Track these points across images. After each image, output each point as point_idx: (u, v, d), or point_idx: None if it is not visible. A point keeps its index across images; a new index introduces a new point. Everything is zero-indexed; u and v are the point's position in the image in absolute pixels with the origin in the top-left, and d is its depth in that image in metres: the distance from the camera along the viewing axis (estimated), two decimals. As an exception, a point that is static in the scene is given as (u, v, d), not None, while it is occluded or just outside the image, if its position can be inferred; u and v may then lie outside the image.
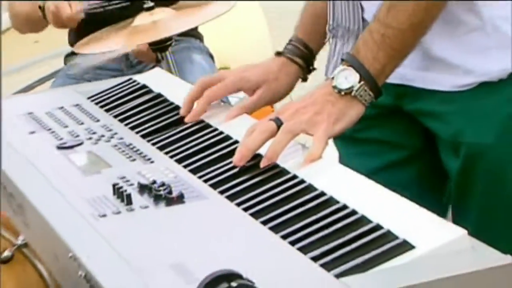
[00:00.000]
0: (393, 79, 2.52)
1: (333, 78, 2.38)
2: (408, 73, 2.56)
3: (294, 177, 2.20)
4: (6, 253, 3.74)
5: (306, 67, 2.80)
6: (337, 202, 1.98)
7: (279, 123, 2.30)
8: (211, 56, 4.88)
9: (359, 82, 2.35)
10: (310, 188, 2.11)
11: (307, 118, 2.31)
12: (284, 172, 2.22)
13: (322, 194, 2.05)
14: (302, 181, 2.16)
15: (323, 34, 2.81)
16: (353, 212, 1.91)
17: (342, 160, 2.68)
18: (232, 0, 4.01)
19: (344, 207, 1.94)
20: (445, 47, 2.51)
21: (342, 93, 2.35)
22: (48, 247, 2.32)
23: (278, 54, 2.81)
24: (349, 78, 2.35)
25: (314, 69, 2.85)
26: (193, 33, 4.69)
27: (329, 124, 2.32)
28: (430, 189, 2.82)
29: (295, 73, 2.78)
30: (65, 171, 2.48)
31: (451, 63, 2.52)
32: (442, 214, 2.55)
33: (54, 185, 2.39)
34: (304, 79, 2.83)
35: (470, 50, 2.51)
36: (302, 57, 2.80)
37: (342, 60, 2.45)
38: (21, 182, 2.47)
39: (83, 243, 2.04)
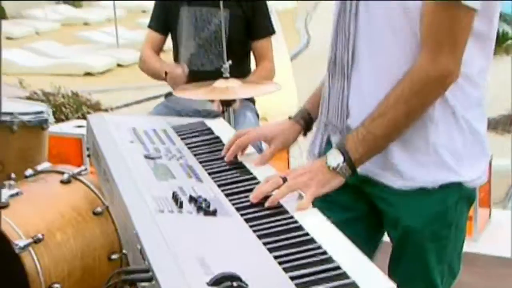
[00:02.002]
0: (359, 170, 2.50)
1: (326, 156, 2.37)
2: (371, 167, 2.48)
3: (291, 217, 2.16)
4: (98, 209, 3.68)
5: (306, 128, 2.77)
6: (315, 242, 1.94)
7: (285, 180, 2.30)
8: (257, 114, 4.81)
9: (343, 163, 2.34)
10: (300, 227, 2.07)
11: (303, 181, 2.31)
12: (284, 211, 2.20)
13: (307, 234, 2.01)
14: (296, 221, 2.11)
15: None
16: (324, 252, 1.88)
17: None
18: (277, 84, 3.99)
19: (319, 247, 1.91)
20: (399, 157, 2.44)
21: (330, 168, 2.34)
22: (121, 220, 2.30)
23: (289, 118, 2.78)
24: (336, 159, 2.34)
25: (310, 130, 2.80)
26: (249, 98, 4.61)
27: (317, 188, 2.31)
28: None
29: (298, 131, 2.76)
30: (145, 173, 2.43)
31: (401, 170, 2.46)
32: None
33: (135, 180, 2.36)
34: (304, 135, 2.80)
35: (415, 164, 2.45)
36: (305, 121, 2.76)
37: (336, 146, 2.42)
38: (115, 171, 2.46)
39: (144, 226, 2.01)
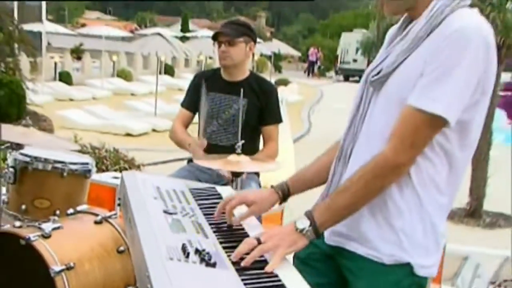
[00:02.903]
0: (332, 242, 2.50)
1: (296, 221, 2.35)
2: (343, 238, 2.47)
3: (277, 275, 2.14)
4: (122, 248, 3.67)
5: (282, 199, 2.69)
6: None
7: (259, 241, 2.26)
8: (260, 185, 4.82)
9: (309, 227, 2.31)
10: (282, 285, 2.07)
11: (273, 243, 2.26)
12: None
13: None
14: (279, 279, 2.11)
15: (302, 187, 2.73)
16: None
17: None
18: (278, 164, 3.98)
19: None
20: (367, 227, 2.41)
21: (298, 230, 2.31)
22: (138, 262, 2.25)
23: (272, 187, 2.72)
24: (304, 223, 2.32)
25: (286, 200, 2.75)
26: (255, 171, 4.62)
27: (285, 248, 2.26)
28: None
29: (275, 201, 2.68)
30: (162, 225, 2.41)
31: (367, 238, 2.42)
32: None
33: (153, 230, 2.33)
34: (280, 203, 2.73)
35: (379, 237, 2.40)
36: (283, 193, 2.69)
37: (305, 212, 2.38)
38: (138, 220, 2.42)
39: (155, 270, 1.99)
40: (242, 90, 4.17)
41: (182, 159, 5.75)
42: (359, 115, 2.50)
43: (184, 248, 2.18)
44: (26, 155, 4.00)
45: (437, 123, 2.26)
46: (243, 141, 3.83)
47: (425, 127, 2.27)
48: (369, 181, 2.31)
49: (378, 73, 2.41)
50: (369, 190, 2.33)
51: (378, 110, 2.42)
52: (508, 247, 8.96)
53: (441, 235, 2.45)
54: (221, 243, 2.35)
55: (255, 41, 4.80)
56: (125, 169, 9.16)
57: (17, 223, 3.72)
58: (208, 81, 4.84)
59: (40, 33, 25.24)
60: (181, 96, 5.13)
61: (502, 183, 12.46)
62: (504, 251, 8.14)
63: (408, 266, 2.38)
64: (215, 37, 4.78)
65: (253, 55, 4.84)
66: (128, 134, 17.40)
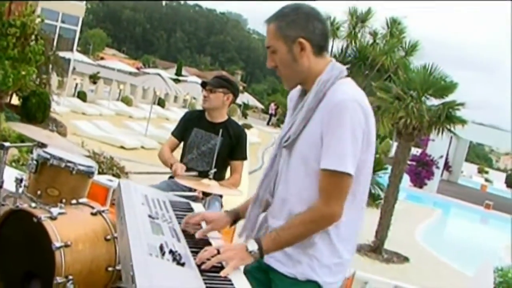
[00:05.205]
0: (267, 262, 2.46)
1: (247, 243, 2.34)
2: (273, 260, 2.45)
3: (230, 280, 2.16)
4: (108, 236, 3.62)
5: (233, 222, 2.68)
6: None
7: (218, 252, 2.25)
8: (222, 205, 4.77)
9: (257, 250, 2.30)
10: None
11: (229, 255, 2.26)
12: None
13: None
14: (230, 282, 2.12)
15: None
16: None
17: None
18: (240, 191, 3.96)
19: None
20: (290, 251, 2.40)
21: (248, 251, 2.30)
22: (124, 252, 2.25)
23: (226, 211, 2.71)
24: (253, 246, 2.31)
25: (236, 223, 2.73)
26: (219, 194, 4.59)
27: (237, 261, 2.26)
28: None
29: (227, 222, 2.65)
30: (146, 227, 2.39)
31: (288, 262, 2.41)
32: None
33: (139, 229, 2.33)
34: (230, 226, 2.73)
35: (296, 260, 2.40)
36: (234, 217, 2.67)
37: (256, 238, 2.38)
38: (128, 220, 2.41)
39: (137, 261, 1.99)
40: (220, 130, 4.16)
41: (162, 173, 5.71)
42: (273, 170, 2.53)
43: (161, 247, 2.18)
44: (47, 153, 3.97)
45: (347, 177, 2.28)
46: (215, 170, 3.81)
47: (342, 181, 2.29)
48: (307, 226, 2.33)
49: (288, 139, 2.44)
50: (305, 232, 2.34)
51: (292, 168, 2.44)
52: (398, 278, 9.10)
53: (346, 261, 2.45)
54: (190, 247, 2.35)
55: (234, 94, 4.81)
56: (117, 174, 9.09)
57: (33, 204, 3.69)
58: (195, 119, 4.84)
59: (69, 60, 25.15)
60: (167, 124, 5.25)
61: (400, 230, 12.62)
62: (394, 281, 8.30)
63: (315, 283, 2.39)
64: (203, 85, 4.82)
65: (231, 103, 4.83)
66: (122, 147, 17.20)
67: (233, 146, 4.74)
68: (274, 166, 2.53)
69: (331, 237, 2.38)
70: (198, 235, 2.51)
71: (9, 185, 4.09)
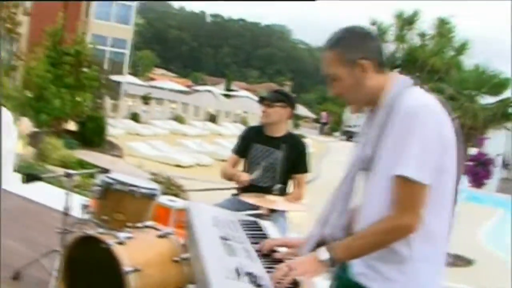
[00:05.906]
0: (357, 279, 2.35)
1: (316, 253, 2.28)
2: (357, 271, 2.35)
3: None
4: (176, 258, 3.62)
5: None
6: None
7: (290, 269, 2.21)
8: (286, 220, 4.67)
9: (328, 259, 2.24)
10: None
11: (301, 271, 2.22)
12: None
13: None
14: None
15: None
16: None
17: None
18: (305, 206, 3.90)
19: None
20: (383, 269, 2.28)
21: (318, 261, 2.24)
22: (199, 274, 2.20)
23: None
24: (324, 255, 2.25)
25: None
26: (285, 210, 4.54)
27: (311, 273, 2.22)
28: None
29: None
30: (219, 249, 2.36)
31: (384, 277, 2.29)
32: None
33: (213, 251, 2.29)
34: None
35: (386, 277, 2.28)
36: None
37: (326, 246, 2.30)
38: (201, 242, 2.39)
39: (215, 284, 1.98)
40: (282, 144, 4.11)
41: (220, 189, 5.67)
42: (342, 191, 2.44)
43: (237, 270, 2.14)
44: (111, 178, 3.99)
45: (423, 187, 2.19)
46: (279, 185, 3.75)
47: (418, 191, 2.19)
48: (380, 236, 2.24)
49: (365, 160, 2.35)
50: (378, 243, 2.25)
51: (372, 186, 2.35)
52: (465, 282, 8.83)
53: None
54: (266, 268, 2.30)
55: (292, 107, 4.77)
56: (176, 194, 9.13)
57: (100, 230, 3.72)
58: (254, 135, 4.81)
59: (120, 83, 25.68)
60: (221, 140, 5.12)
61: (462, 232, 12.28)
62: (461, 285, 8.07)
63: None
64: (260, 100, 4.79)
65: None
66: (178, 165, 17.39)
67: (295, 159, 4.67)
68: (343, 188, 2.46)
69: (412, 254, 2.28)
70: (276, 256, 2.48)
71: (74, 211, 4.14)
